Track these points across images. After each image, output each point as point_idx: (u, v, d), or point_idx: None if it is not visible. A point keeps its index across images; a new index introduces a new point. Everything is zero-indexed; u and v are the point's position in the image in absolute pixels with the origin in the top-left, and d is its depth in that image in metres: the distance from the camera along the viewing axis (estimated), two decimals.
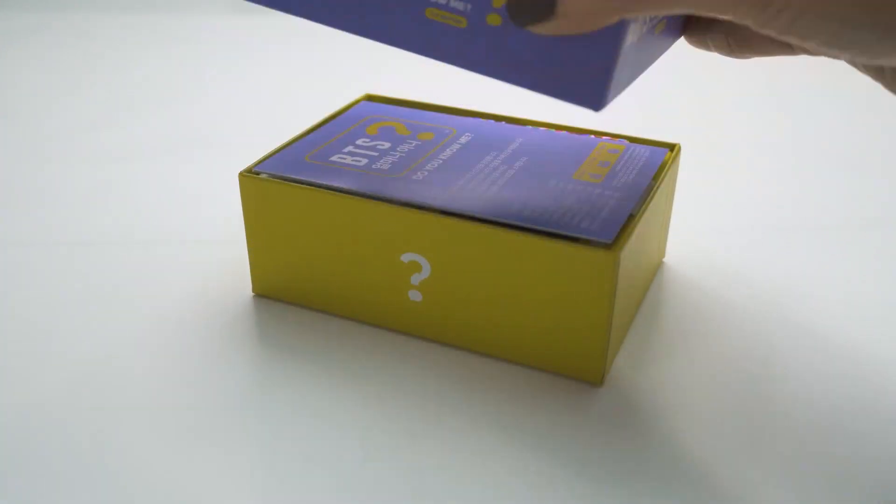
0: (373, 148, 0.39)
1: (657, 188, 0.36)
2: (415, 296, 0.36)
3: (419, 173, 0.36)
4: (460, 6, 0.30)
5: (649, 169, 0.37)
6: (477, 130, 0.41)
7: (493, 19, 0.30)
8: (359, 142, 0.39)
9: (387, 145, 0.39)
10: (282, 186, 0.36)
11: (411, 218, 0.34)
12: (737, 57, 0.33)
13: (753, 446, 0.31)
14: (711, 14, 0.27)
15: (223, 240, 0.45)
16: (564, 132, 0.41)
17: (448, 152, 0.38)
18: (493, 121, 0.42)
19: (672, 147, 0.40)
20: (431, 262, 0.35)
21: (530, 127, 0.41)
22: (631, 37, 0.29)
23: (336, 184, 0.35)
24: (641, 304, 0.39)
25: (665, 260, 0.43)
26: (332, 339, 0.37)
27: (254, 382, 0.34)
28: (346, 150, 0.38)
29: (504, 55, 0.30)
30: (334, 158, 0.38)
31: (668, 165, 0.38)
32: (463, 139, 0.40)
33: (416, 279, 0.35)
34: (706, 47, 0.33)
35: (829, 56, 0.27)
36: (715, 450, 0.31)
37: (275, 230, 0.37)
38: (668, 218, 0.41)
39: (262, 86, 0.68)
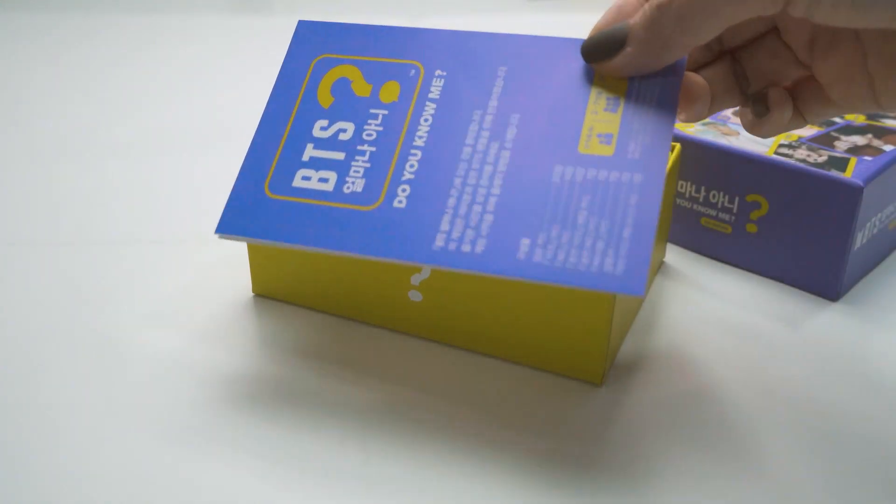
0: (334, 141, 0.34)
1: None
2: (415, 296, 0.36)
3: (397, 201, 0.32)
4: (727, 217, 0.41)
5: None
6: (448, 64, 0.34)
7: (751, 228, 0.40)
8: (316, 132, 0.34)
9: (349, 129, 0.34)
10: None
11: None
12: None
13: (752, 446, 0.31)
14: (754, 14, 0.27)
15: (223, 240, 0.45)
16: (547, 37, 0.34)
17: (423, 132, 0.33)
18: (461, 31, 0.35)
19: (672, 147, 0.40)
20: None
21: (507, 34, 0.35)
22: (860, 240, 0.38)
23: (310, 246, 0.32)
24: (641, 304, 0.39)
25: (665, 260, 0.43)
26: (332, 339, 0.37)
27: (254, 382, 0.34)
28: (307, 158, 0.34)
29: (758, 253, 0.41)
30: (297, 184, 0.33)
31: (668, 165, 0.38)
32: (434, 89, 0.34)
33: (416, 279, 0.35)
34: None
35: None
36: (714, 450, 0.31)
37: None
38: (669, 218, 0.41)
39: (261, 84, 0.68)
